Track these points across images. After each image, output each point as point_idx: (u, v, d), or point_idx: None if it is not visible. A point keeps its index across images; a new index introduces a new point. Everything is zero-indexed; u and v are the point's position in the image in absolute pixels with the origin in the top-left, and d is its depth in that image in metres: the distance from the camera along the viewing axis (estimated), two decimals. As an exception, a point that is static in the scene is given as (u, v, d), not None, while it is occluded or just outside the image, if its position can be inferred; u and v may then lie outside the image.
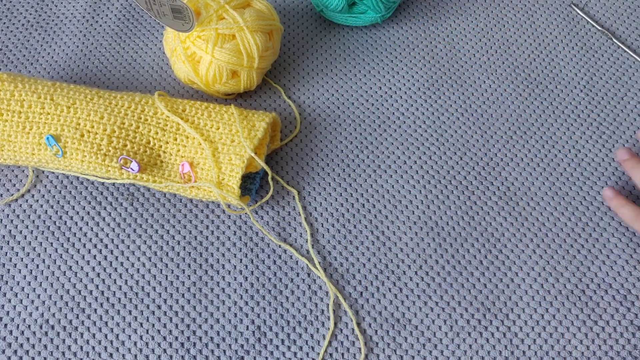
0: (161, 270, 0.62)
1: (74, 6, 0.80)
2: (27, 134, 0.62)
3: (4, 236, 0.64)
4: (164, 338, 0.59)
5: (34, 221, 0.64)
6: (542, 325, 0.60)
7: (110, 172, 0.62)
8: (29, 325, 0.60)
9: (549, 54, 0.76)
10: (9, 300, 0.61)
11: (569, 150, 0.70)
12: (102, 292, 0.61)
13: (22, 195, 0.66)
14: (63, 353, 0.59)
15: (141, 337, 0.59)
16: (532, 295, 0.61)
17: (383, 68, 0.74)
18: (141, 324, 0.60)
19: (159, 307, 0.61)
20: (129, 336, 0.59)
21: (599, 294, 0.61)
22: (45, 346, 0.59)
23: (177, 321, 0.60)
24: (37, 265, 0.62)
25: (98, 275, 0.62)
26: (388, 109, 0.71)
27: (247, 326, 0.60)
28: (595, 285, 0.61)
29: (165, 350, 0.59)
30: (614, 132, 0.70)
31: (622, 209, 0.62)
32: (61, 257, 0.63)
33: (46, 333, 0.59)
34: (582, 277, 0.62)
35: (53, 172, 0.67)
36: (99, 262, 0.62)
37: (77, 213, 0.65)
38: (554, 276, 0.62)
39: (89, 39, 0.77)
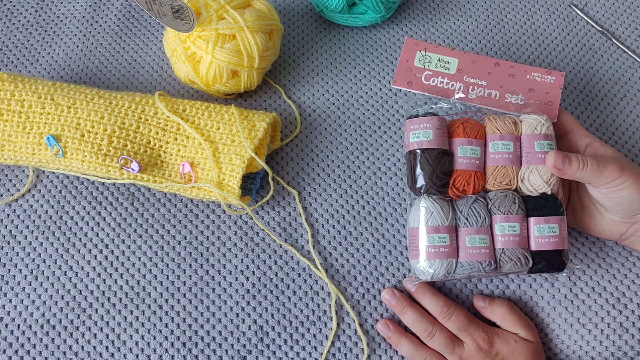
0: (162, 270, 0.62)
1: (74, 6, 0.80)
2: (27, 134, 0.62)
3: (4, 236, 0.64)
4: (166, 338, 0.59)
5: (34, 221, 0.64)
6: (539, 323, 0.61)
7: (110, 172, 0.62)
8: (30, 325, 0.60)
9: (549, 54, 0.76)
10: (10, 300, 0.61)
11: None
12: (103, 292, 0.61)
13: (23, 195, 0.66)
14: (64, 353, 0.59)
15: (143, 337, 0.59)
16: (534, 291, 0.62)
17: (383, 69, 0.74)
18: (143, 324, 0.60)
19: (161, 307, 0.61)
20: (131, 336, 0.59)
21: (592, 297, 0.61)
22: (47, 346, 0.59)
23: (179, 321, 0.60)
24: (38, 265, 0.62)
25: (99, 275, 0.62)
26: (388, 110, 0.71)
27: (250, 326, 0.60)
28: (589, 289, 0.62)
29: (167, 350, 0.59)
30: (613, 133, 0.70)
31: (400, 346, 0.59)
32: (62, 257, 0.63)
33: (47, 333, 0.59)
34: (577, 280, 0.62)
35: (53, 172, 0.67)
36: (100, 262, 0.62)
37: (78, 213, 0.65)
38: (550, 280, 0.62)
39: (89, 39, 0.77)
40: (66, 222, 0.64)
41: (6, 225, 0.64)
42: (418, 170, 0.56)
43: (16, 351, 0.59)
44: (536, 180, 0.56)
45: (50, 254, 0.63)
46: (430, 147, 0.56)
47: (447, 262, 0.55)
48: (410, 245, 0.57)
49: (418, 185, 0.56)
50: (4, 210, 0.65)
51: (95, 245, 0.63)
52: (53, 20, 0.78)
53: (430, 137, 0.56)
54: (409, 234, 0.57)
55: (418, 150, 0.57)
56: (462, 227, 0.56)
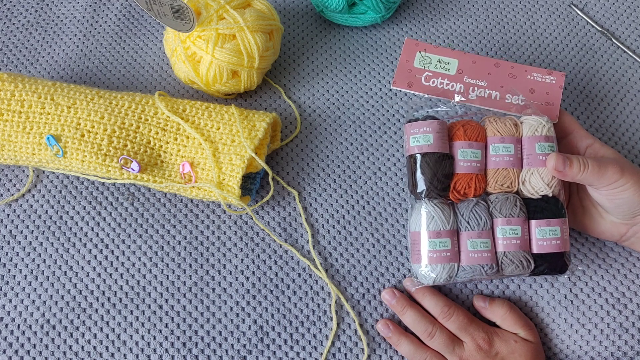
0: (162, 270, 0.62)
1: (74, 6, 0.80)
2: (27, 134, 0.62)
3: (4, 236, 0.64)
4: (166, 338, 0.59)
5: (34, 221, 0.64)
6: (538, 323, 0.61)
7: (110, 172, 0.62)
8: (30, 325, 0.60)
9: (549, 55, 0.76)
10: (10, 300, 0.61)
11: (569, 150, 0.70)
12: (103, 292, 0.61)
13: (23, 195, 0.66)
14: (64, 353, 0.59)
15: (143, 337, 0.59)
16: (534, 291, 0.62)
17: (383, 69, 0.74)
18: (143, 324, 0.60)
19: (161, 307, 0.61)
20: (131, 336, 0.59)
21: (592, 297, 0.61)
22: (47, 346, 0.59)
23: (179, 321, 0.60)
24: (38, 265, 0.62)
25: (99, 275, 0.62)
26: (388, 110, 0.71)
27: (250, 326, 0.60)
28: (589, 289, 0.62)
29: (167, 350, 0.59)
30: (613, 134, 0.70)
31: (400, 346, 0.59)
32: (62, 257, 0.63)
33: (47, 333, 0.59)
34: (577, 280, 0.62)
35: (53, 172, 0.67)
36: (100, 262, 0.62)
37: (78, 213, 0.65)
38: (550, 280, 0.62)
39: (89, 39, 0.77)
40: (66, 222, 0.64)
41: (6, 225, 0.64)
42: (419, 175, 0.56)
43: (16, 351, 0.59)
44: (537, 182, 0.56)
45: (50, 254, 0.63)
46: (430, 151, 0.56)
47: (449, 266, 0.55)
48: (412, 249, 0.57)
49: (419, 190, 0.56)
50: (4, 210, 0.65)
51: (95, 245, 0.63)
52: (53, 20, 0.78)
53: (430, 141, 0.56)
54: (410, 238, 0.57)
55: (418, 155, 0.56)
56: (464, 231, 0.56)
